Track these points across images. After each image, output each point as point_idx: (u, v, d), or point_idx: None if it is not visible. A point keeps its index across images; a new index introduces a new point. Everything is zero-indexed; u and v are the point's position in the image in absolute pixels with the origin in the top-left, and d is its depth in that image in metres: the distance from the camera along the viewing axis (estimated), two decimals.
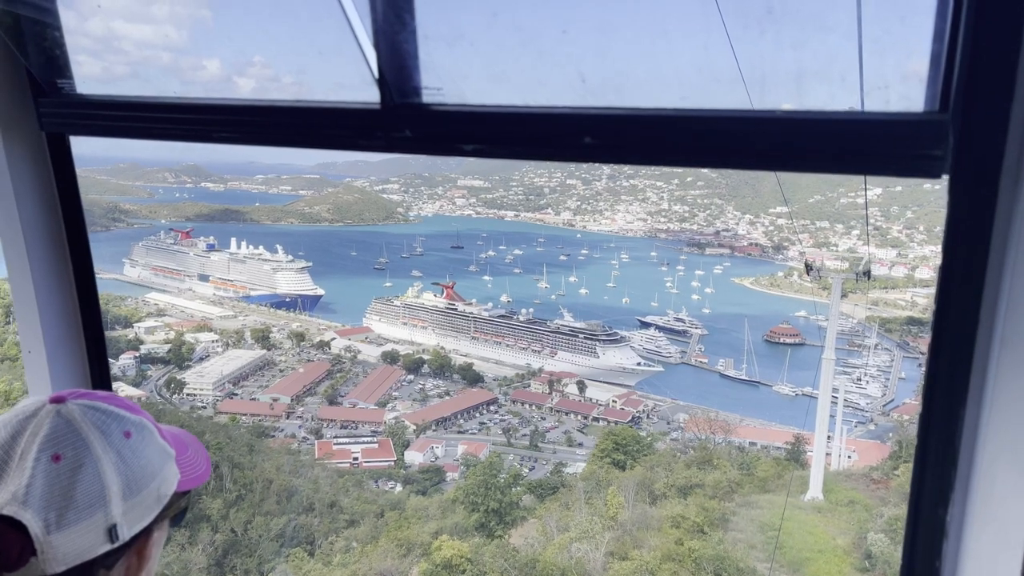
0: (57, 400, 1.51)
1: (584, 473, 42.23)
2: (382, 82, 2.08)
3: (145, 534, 1.55)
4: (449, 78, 2.12)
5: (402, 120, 2.11)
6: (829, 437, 42.53)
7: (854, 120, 1.62)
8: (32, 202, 2.89)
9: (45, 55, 2.76)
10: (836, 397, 46.44)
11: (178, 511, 1.69)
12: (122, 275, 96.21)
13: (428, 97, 2.12)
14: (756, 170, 1.75)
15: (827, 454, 43.87)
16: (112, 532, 1.45)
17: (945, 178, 1.55)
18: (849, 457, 50.41)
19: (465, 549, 27.92)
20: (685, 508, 31.56)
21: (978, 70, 1.46)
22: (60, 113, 2.81)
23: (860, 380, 70.66)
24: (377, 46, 2.07)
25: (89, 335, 3.08)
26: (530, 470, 55.46)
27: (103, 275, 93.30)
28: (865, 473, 40.43)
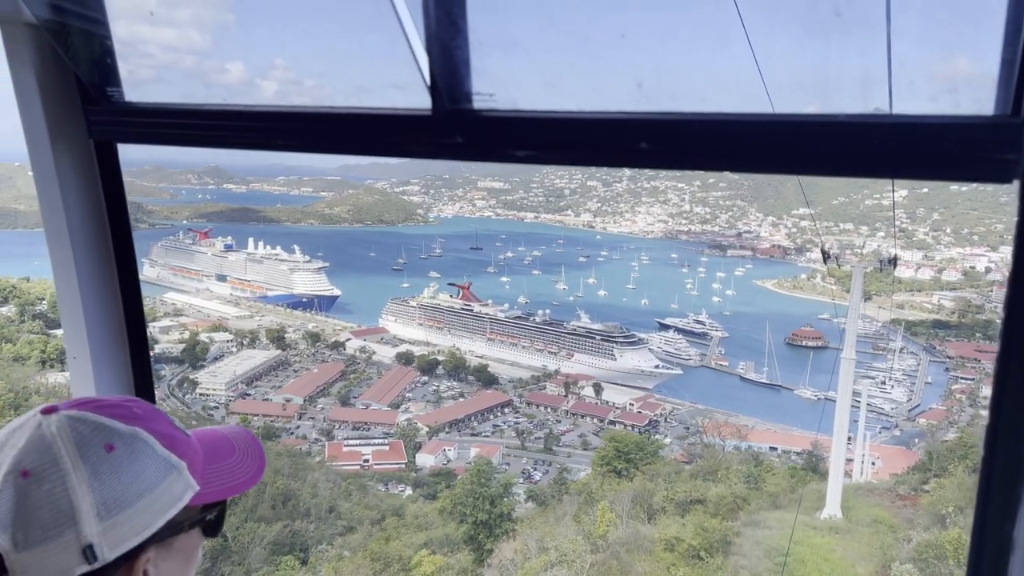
0: (48, 411, 1.46)
1: (579, 484, 39.92)
2: (434, 88, 2.08)
3: (135, 553, 1.43)
4: (502, 84, 2.11)
5: (453, 126, 2.10)
6: (850, 439, 40.39)
7: (920, 123, 1.58)
8: (80, 210, 2.92)
9: (94, 62, 2.79)
10: (859, 401, 44.71)
11: (203, 523, 1.59)
12: (142, 275, 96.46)
13: (480, 103, 2.11)
14: (822, 175, 1.74)
15: (848, 460, 42.20)
16: (88, 552, 1.37)
17: (1016, 183, 1.50)
18: (873, 464, 48.86)
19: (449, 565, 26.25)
20: (682, 528, 28.09)
21: None
22: (108, 121, 2.83)
23: (884, 384, 68.92)
24: (429, 51, 2.07)
25: (133, 341, 3.07)
26: (544, 474, 54.47)
27: None
28: (890, 487, 36.81)
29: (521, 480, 53.65)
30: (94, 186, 2.94)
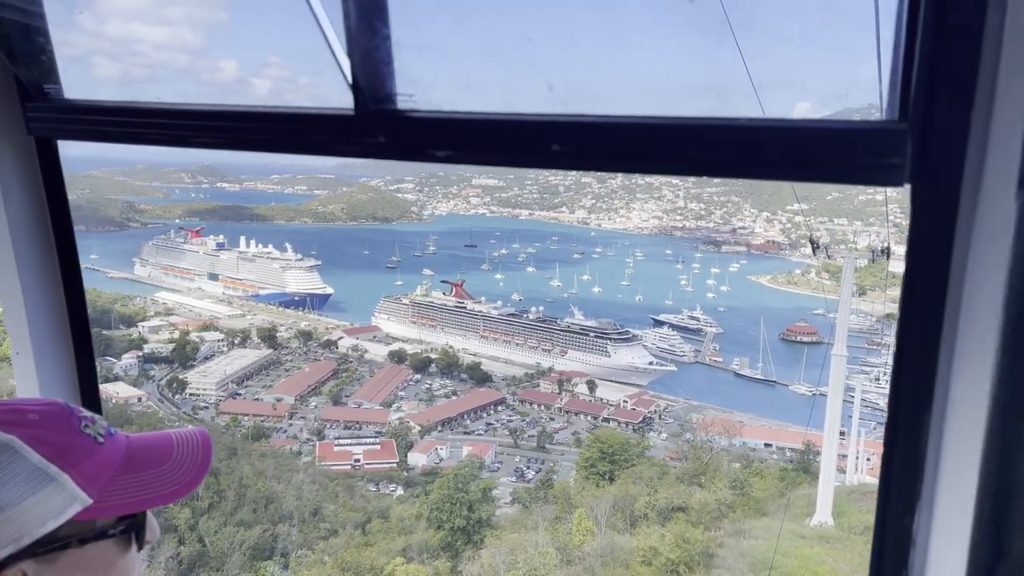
0: None
1: (557, 490, 38.31)
2: (356, 88, 2.13)
3: (2, 566, 1.39)
4: (420, 85, 2.16)
5: (376, 126, 2.15)
6: (842, 433, 39.53)
7: (814, 128, 1.64)
8: (20, 206, 2.95)
9: (32, 60, 2.82)
10: (851, 398, 44.06)
11: (104, 537, 1.49)
12: (133, 274, 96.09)
13: (402, 104, 2.16)
14: (719, 177, 1.83)
15: (842, 456, 41.63)
16: None
17: (907, 187, 1.57)
18: (868, 460, 48.49)
19: (424, 574, 25.47)
20: (661, 539, 26.39)
21: (936, 78, 1.48)
22: (47, 118, 2.86)
23: (879, 380, 68.55)
24: (350, 53, 2.11)
25: (77, 336, 3.13)
26: (537, 472, 54.00)
27: (114, 275, 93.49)
28: None
29: (514, 478, 53.25)
30: (35, 183, 2.97)
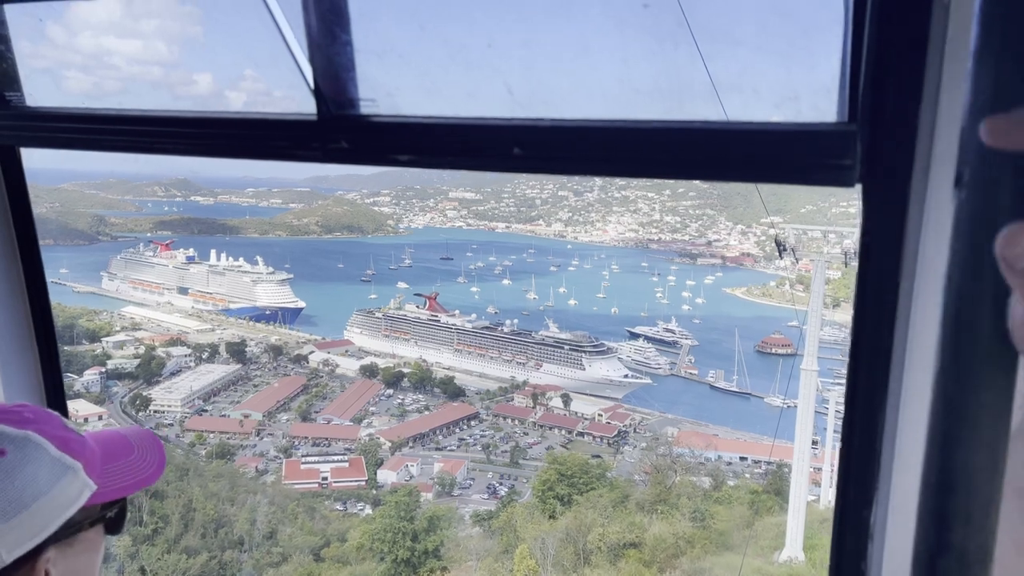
0: None
1: (502, 520, 35.18)
2: (318, 94, 2.13)
3: (34, 554, 1.49)
4: (383, 90, 2.16)
5: (338, 131, 2.14)
6: (815, 443, 38.25)
7: (766, 131, 1.68)
8: None
9: None
10: (822, 411, 43.45)
11: (102, 521, 1.65)
12: (100, 288, 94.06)
13: (364, 109, 2.16)
14: (677, 179, 2.00)
15: (817, 469, 40.96)
16: None
17: (858, 187, 1.60)
18: None
19: None
20: None
21: (884, 80, 1.52)
22: (9, 125, 2.84)
23: None
24: (312, 59, 2.12)
25: (43, 346, 3.07)
26: (509, 489, 53.00)
27: (80, 289, 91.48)
28: None
29: (486, 495, 52.23)
30: None
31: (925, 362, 1.55)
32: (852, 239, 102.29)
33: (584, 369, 72.38)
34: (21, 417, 1.51)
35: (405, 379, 71.84)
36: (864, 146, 1.53)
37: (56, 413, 1.62)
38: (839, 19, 1.57)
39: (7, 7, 2.79)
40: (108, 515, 1.63)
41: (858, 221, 1.62)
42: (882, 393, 1.65)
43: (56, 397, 3.14)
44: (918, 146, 1.49)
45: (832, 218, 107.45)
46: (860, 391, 1.68)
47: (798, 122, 1.63)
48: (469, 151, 1.98)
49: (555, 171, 1.90)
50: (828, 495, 40.48)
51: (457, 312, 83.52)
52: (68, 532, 1.50)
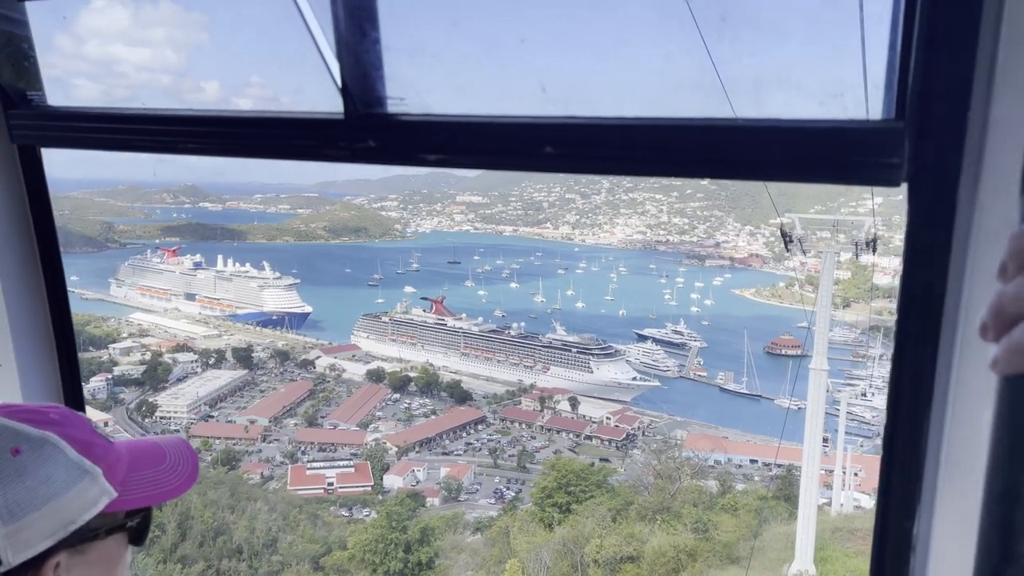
0: None
1: (496, 529, 33.77)
2: (345, 92, 2.11)
3: (42, 558, 1.44)
4: (413, 89, 2.13)
5: (366, 130, 2.12)
6: (826, 440, 37.03)
7: (812, 128, 1.63)
8: (3, 215, 2.87)
9: (15, 67, 2.79)
10: (832, 413, 42.75)
11: (123, 529, 1.60)
12: (108, 295, 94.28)
13: (392, 108, 2.13)
14: (717, 179, 1.80)
15: (828, 471, 40.25)
16: None
17: (905, 186, 1.57)
18: (856, 475, 47.35)
19: None
20: None
21: (933, 77, 1.48)
22: (31, 125, 2.81)
23: (866, 394, 67.62)
24: (340, 57, 2.10)
25: (61, 349, 3.04)
26: (516, 494, 52.54)
27: (89, 295, 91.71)
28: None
29: (492, 500, 51.78)
30: (18, 191, 2.87)
31: (977, 368, 1.49)
32: (862, 231, 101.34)
33: (592, 372, 71.84)
34: (47, 418, 1.48)
35: (412, 383, 71.55)
36: (912, 144, 1.48)
37: (87, 417, 1.58)
38: (887, 12, 1.53)
39: (29, 5, 2.73)
40: (129, 524, 1.58)
41: (903, 221, 1.53)
42: (927, 400, 1.59)
43: (74, 396, 3.11)
44: (967, 144, 1.43)
45: (841, 219, 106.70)
46: (904, 398, 1.61)
47: (843, 120, 1.58)
48: (500, 150, 1.95)
49: (589, 171, 1.83)
50: (840, 498, 39.70)
51: (464, 315, 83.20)
52: (82, 538, 1.45)
